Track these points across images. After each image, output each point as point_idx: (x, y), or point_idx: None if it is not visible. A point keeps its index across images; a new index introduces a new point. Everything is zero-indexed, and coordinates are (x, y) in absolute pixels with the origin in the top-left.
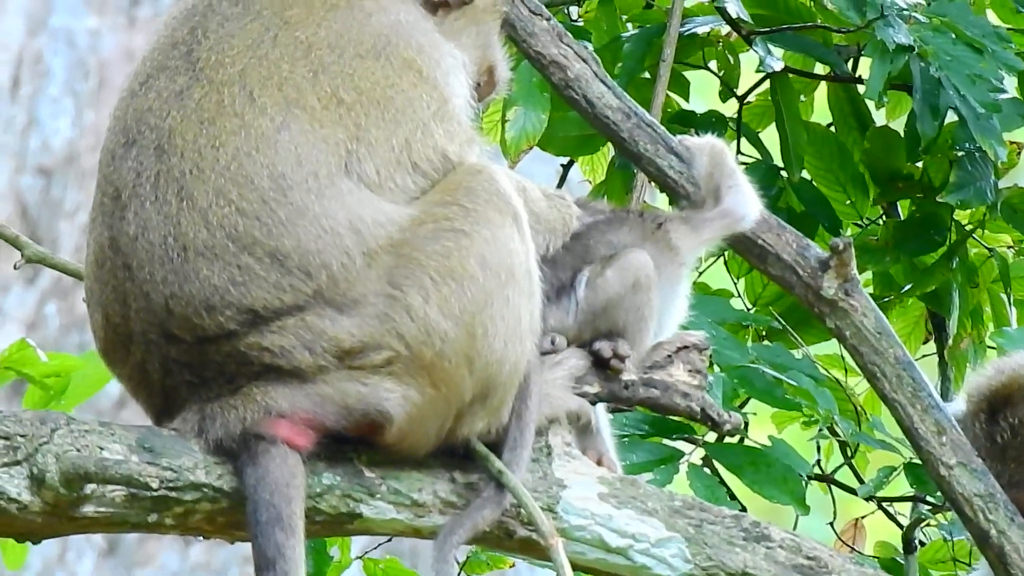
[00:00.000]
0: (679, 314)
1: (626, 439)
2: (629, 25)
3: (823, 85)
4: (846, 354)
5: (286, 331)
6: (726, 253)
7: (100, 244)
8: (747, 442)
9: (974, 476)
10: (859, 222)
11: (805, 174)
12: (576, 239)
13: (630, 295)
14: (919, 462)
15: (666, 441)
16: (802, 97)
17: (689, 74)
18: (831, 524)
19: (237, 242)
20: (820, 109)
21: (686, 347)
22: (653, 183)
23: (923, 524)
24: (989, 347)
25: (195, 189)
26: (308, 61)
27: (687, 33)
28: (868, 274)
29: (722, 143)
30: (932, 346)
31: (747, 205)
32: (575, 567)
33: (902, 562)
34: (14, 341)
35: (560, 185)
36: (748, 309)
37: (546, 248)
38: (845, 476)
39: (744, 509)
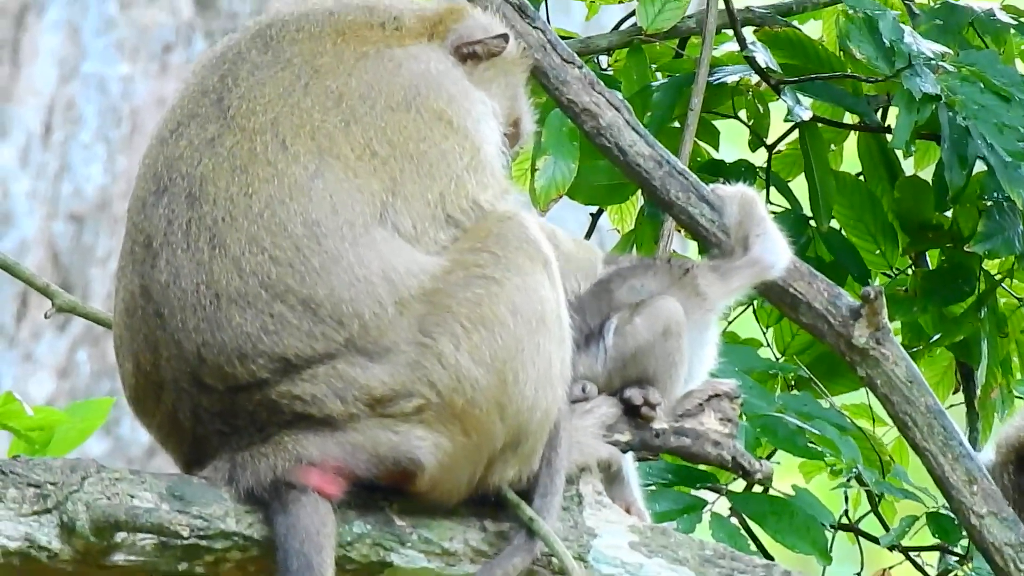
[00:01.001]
0: (708, 362)
1: (650, 488)
2: (659, 74)
3: (852, 134)
4: (875, 403)
5: (318, 379)
6: (755, 302)
7: (131, 292)
8: (771, 491)
9: (1005, 525)
10: (888, 272)
11: (834, 223)
12: (603, 286)
13: (660, 342)
14: (942, 511)
15: (691, 490)
16: (831, 146)
17: (719, 123)
18: (858, 574)
19: (270, 290)
20: (849, 158)
21: (717, 395)
22: (684, 231)
23: (951, 575)
24: (1017, 397)
25: (228, 236)
26: (340, 111)
27: (716, 82)
28: (897, 324)
29: (752, 191)
30: (961, 396)
31: (777, 253)
32: None
33: None
34: (44, 389)
35: (589, 234)
36: (776, 358)
37: (577, 287)
38: (873, 526)
39: (771, 559)
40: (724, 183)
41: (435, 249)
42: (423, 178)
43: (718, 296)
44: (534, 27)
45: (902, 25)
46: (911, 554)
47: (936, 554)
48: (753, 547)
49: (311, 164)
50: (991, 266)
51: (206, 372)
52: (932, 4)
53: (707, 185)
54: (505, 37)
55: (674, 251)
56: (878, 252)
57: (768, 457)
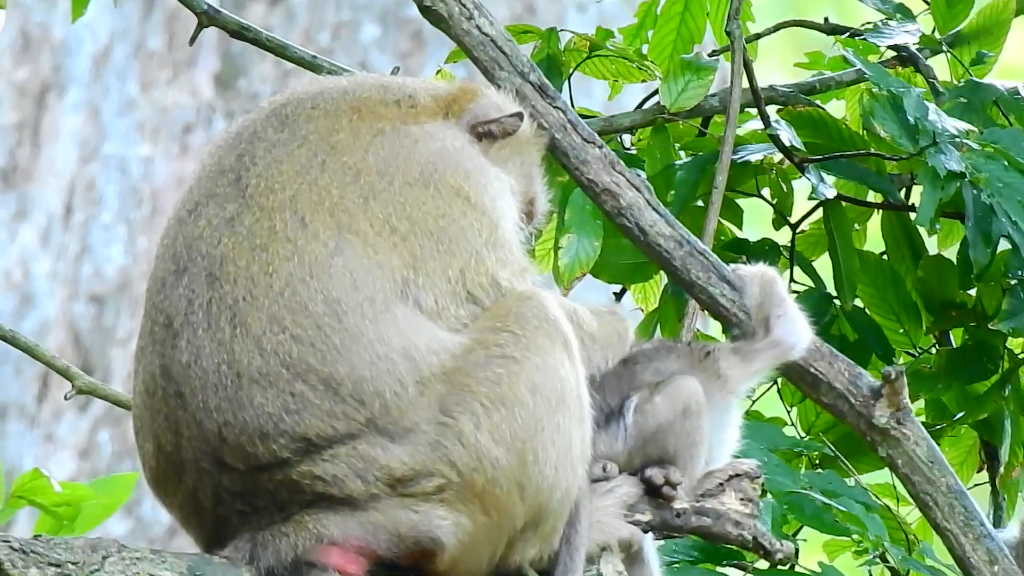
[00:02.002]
0: (730, 444)
1: (676, 565)
2: (682, 153)
3: (876, 213)
4: (898, 482)
5: (338, 459)
6: (779, 381)
7: (151, 372)
8: (797, 569)
9: None
10: (912, 350)
11: (858, 302)
12: (624, 365)
13: (680, 421)
14: None
15: (716, 568)
16: (855, 225)
17: (742, 202)
18: None
19: (291, 369)
20: (873, 237)
21: (738, 475)
22: (706, 311)
23: None
24: None
25: (249, 316)
26: (358, 187)
27: (740, 161)
28: (921, 402)
29: (773, 272)
30: (984, 474)
31: (797, 334)
32: None
33: None
34: (65, 469)
35: None
36: (801, 437)
37: (606, 364)
38: None
39: None
40: (747, 262)
41: (455, 326)
42: (443, 254)
43: (740, 378)
44: (554, 107)
45: (926, 103)
46: None
47: None
48: None
49: (331, 241)
50: (1015, 344)
51: (227, 452)
52: (956, 82)
53: (728, 265)
54: (520, 116)
55: (698, 330)
56: (902, 331)
57: (794, 535)
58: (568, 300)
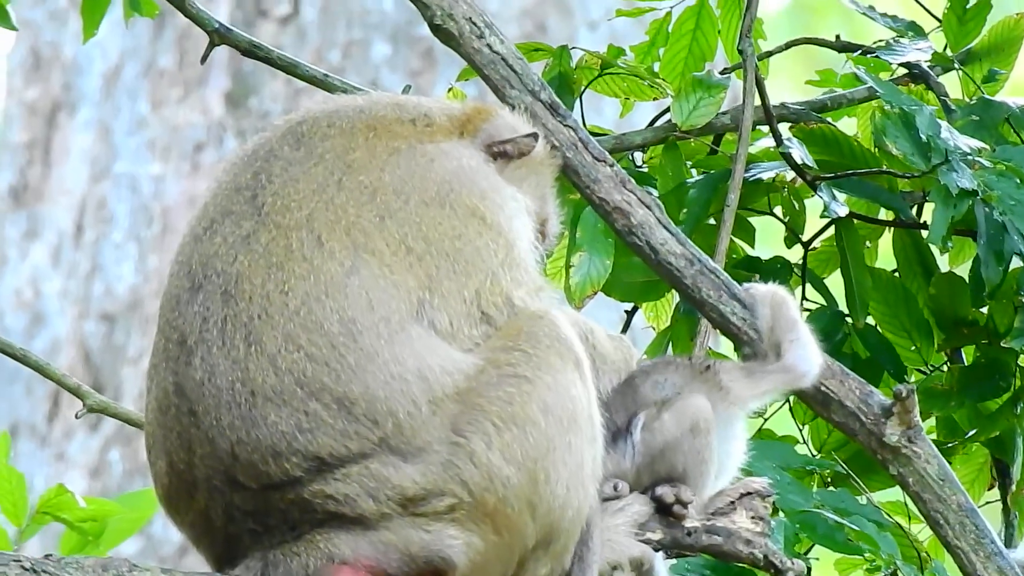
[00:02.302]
0: (737, 457)
1: None
2: (694, 171)
3: (888, 230)
4: (910, 500)
5: (351, 479)
6: (791, 399)
7: (164, 390)
8: None
9: None
10: (924, 368)
11: (870, 320)
12: (627, 383)
13: (688, 439)
14: None
15: None
16: (867, 243)
17: (754, 220)
18: None
19: (305, 388)
20: (885, 255)
21: (749, 494)
22: (717, 329)
23: None
24: None
25: (264, 334)
26: (374, 206)
27: (752, 179)
28: (932, 419)
29: (784, 293)
30: (996, 492)
31: (810, 362)
32: None
33: None
34: (76, 488)
35: (624, 331)
36: (813, 455)
37: (611, 385)
38: None
39: None
40: (760, 280)
41: (468, 346)
42: (459, 275)
43: (744, 393)
44: (565, 125)
45: (938, 120)
46: None
47: None
48: None
49: (347, 260)
50: None
51: (239, 470)
52: (968, 100)
53: (740, 284)
54: (535, 136)
55: (710, 348)
56: (914, 348)
57: (806, 553)
58: (585, 319)
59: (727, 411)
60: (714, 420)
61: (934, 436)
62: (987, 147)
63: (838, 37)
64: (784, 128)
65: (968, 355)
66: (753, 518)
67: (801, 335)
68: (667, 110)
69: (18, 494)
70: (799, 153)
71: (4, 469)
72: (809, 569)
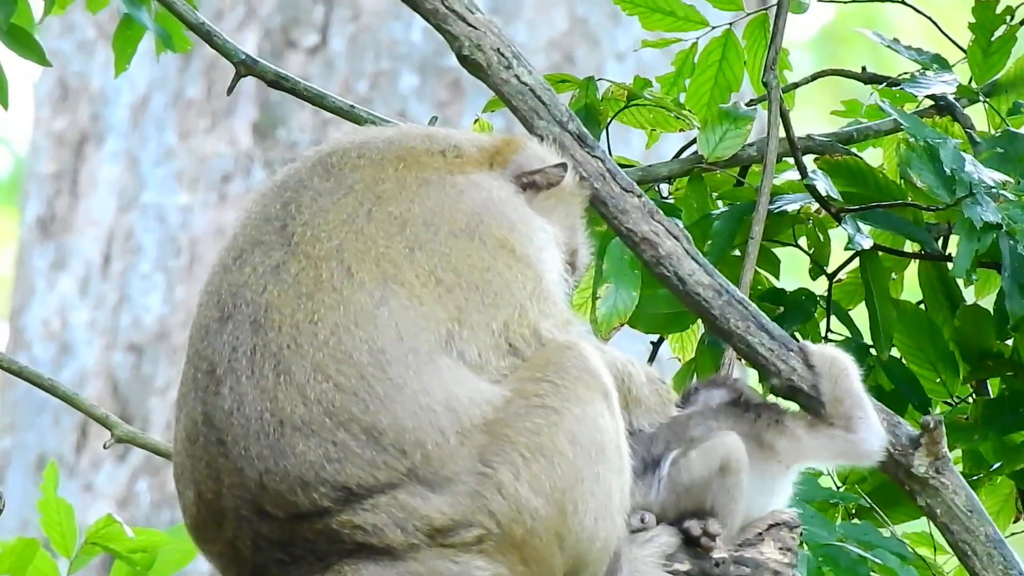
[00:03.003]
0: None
1: None
2: (719, 202)
3: (913, 263)
4: (935, 532)
5: (378, 509)
6: None
7: (193, 419)
8: None
9: None
10: (949, 400)
11: (895, 352)
12: (682, 419)
13: (717, 479)
14: None
15: None
16: (892, 275)
17: (779, 251)
18: None
19: (334, 418)
20: (910, 287)
21: (777, 525)
22: (743, 360)
23: None
24: None
25: (293, 364)
26: (404, 237)
27: (777, 210)
28: (958, 452)
29: (845, 360)
30: (1022, 524)
31: (879, 441)
32: None
33: None
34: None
35: (650, 362)
36: (837, 487)
37: (646, 427)
38: None
39: None
40: (784, 312)
41: (496, 377)
42: (488, 307)
43: (801, 453)
44: (593, 156)
45: (963, 153)
46: None
47: None
48: None
49: (376, 291)
50: None
51: (268, 500)
52: (993, 132)
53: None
54: (564, 167)
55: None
56: (939, 381)
57: None
58: (626, 357)
59: (769, 468)
60: (746, 460)
61: (960, 468)
62: (1011, 180)
63: (864, 69)
64: (809, 160)
65: (993, 387)
66: (781, 549)
67: (869, 412)
68: (693, 141)
69: (67, 525)
70: (824, 185)
71: (52, 500)
72: None
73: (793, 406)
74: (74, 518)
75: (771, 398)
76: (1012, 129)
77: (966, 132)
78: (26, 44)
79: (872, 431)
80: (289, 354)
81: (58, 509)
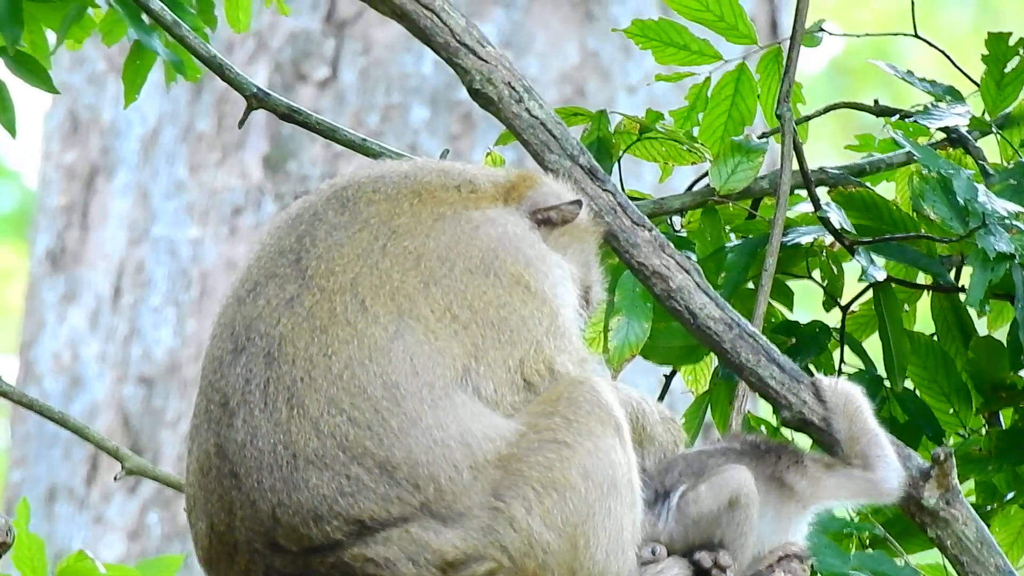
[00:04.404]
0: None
1: None
2: (732, 235)
3: (926, 294)
4: (947, 563)
5: (391, 542)
6: None
7: (206, 451)
8: None
9: None
10: (962, 431)
11: (909, 384)
12: (702, 454)
13: (727, 513)
14: None
15: None
16: (905, 307)
17: (793, 284)
18: None
19: (348, 452)
20: (923, 319)
21: (787, 556)
22: (756, 393)
23: None
24: None
25: (307, 397)
26: (419, 272)
27: (790, 243)
28: (970, 483)
29: (857, 396)
30: None
31: (896, 479)
32: None
33: None
34: (114, 551)
35: (663, 396)
36: (851, 518)
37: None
38: None
39: None
40: (797, 344)
41: (509, 412)
42: (504, 345)
43: (820, 494)
44: (604, 190)
45: (976, 184)
46: None
47: None
48: None
49: (391, 325)
50: None
51: (280, 533)
52: (1006, 164)
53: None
54: (579, 203)
55: (749, 412)
56: (952, 412)
57: None
58: (640, 396)
59: (786, 507)
60: (756, 495)
61: (972, 499)
62: None
63: (876, 102)
64: (822, 192)
65: (1006, 419)
66: None
67: (887, 450)
68: (706, 174)
69: (37, 560)
70: (837, 217)
71: (24, 535)
72: None
73: (808, 441)
74: (44, 553)
75: (785, 432)
76: None
77: (979, 164)
78: (32, 71)
79: (891, 469)
80: (303, 387)
81: (30, 544)
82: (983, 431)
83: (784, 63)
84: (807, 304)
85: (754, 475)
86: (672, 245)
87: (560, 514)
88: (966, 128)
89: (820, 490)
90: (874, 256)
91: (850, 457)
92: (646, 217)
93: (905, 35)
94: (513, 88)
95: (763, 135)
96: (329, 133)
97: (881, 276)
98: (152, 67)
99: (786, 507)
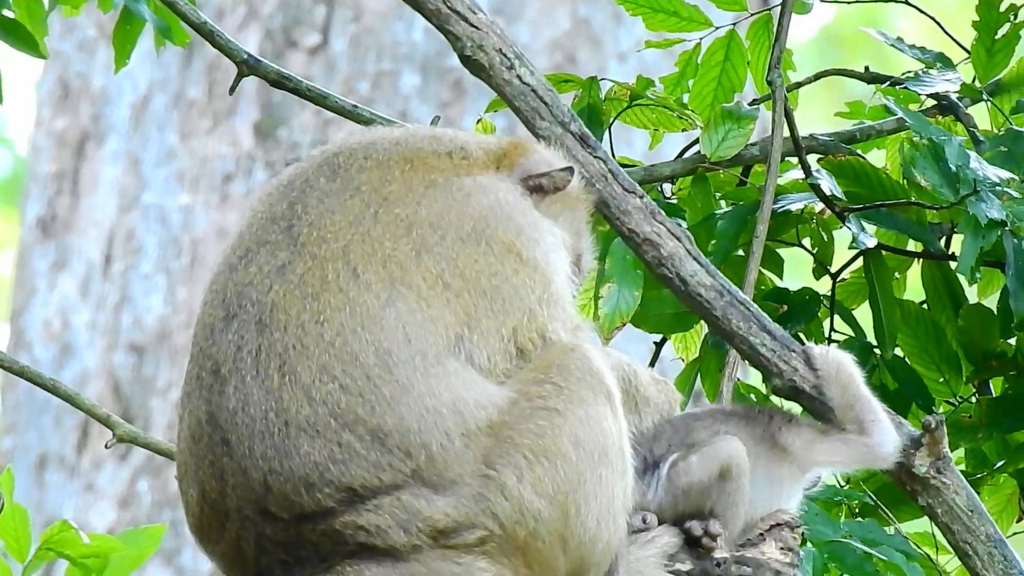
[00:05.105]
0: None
1: None
2: (723, 202)
3: (916, 262)
4: (938, 531)
5: (382, 510)
6: None
7: (197, 418)
8: None
9: None
10: (952, 400)
11: (898, 352)
12: (688, 419)
13: (717, 483)
14: None
15: None
16: (896, 275)
17: (783, 251)
18: None
19: (339, 419)
20: (913, 286)
21: (778, 525)
22: (746, 361)
23: None
24: None
25: (298, 364)
26: (410, 239)
27: (781, 210)
28: (961, 451)
29: (849, 364)
30: None
31: (892, 444)
32: None
33: None
34: (105, 519)
35: (653, 363)
36: (841, 486)
37: (651, 425)
38: None
39: None
40: (788, 311)
41: (502, 379)
42: (497, 313)
43: (815, 458)
44: (595, 156)
45: (967, 151)
46: None
47: None
48: None
49: (383, 293)
50: None
51: (272, 501)
52: (997, 131)
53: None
54: (571, 170)
55: (739, 380)
56: (942, 380)
57: None
58: (629, 360)
59: (779, 471)
60: (747, 465)
61: (962, 467)
62: (1016, 178)
63: (867, 68)
64: (813, 159)
65: (996, 387)
66: (782, 549)
67: (880, 415)
68: (696, 141)
69: (21, 530)
70: (828, 184)
71: (8, 505)
72: None
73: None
74: (28, 523)
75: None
76: (1016, 128)
77: (969, 131)
78: (20, 36)
79: (886, 433)
80: (295, 354)
81: (12, 514)
82: (973, 399)
83: (775, 30)
84: (797, 272)
85: (745, 437)
86: (663, 212)
87: (551, 482)
88: (956, 95)
89: (815, 454)
90: (864, 223)
91: (844, 423)
92: (637, 184)
93: (896, 2)
94: (504, 55)
95: (754, 102)
96: (320, 100)
97: (871, 243)
98: (141, 31)
99: (779, 470)
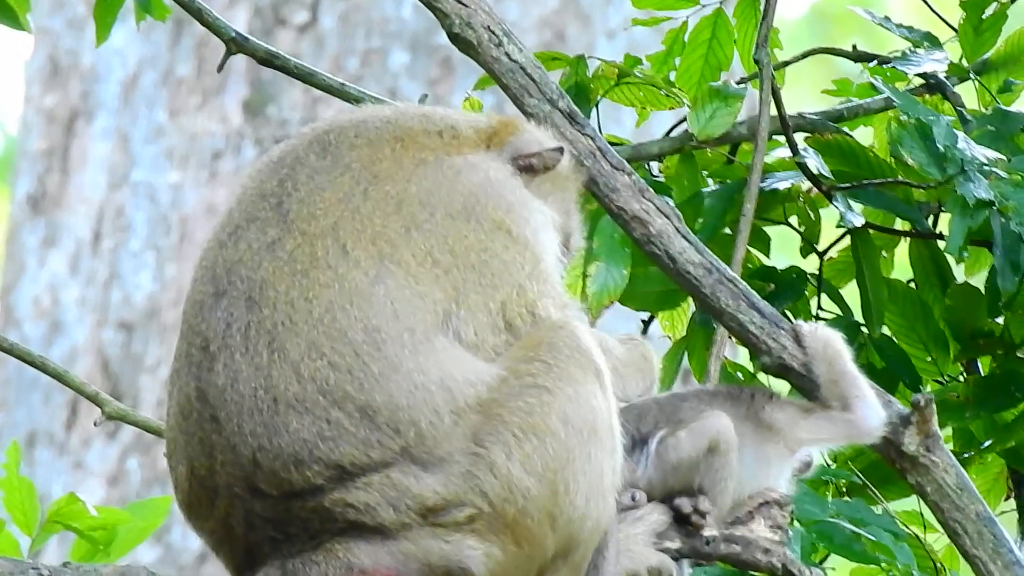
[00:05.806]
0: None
1: None
2: (710, 180)
3: (904, 241)
4: (926, 510)
5: (371, 488)
6: None
7: (186, 395)
8: None
9: None
10: (939, 378)
11: (886, 330)
12: (676, 398)
13: (705, 459)
14: None
15: None
16: (883, 253)
17: (770, 230)
18: None
19: (328, 396)
20: (901, 265)
21: (767, 503)
22: (734, 338)
23: None
24: None
25: (287, 341)
26: (400, 217)
27: (768, 189)
28: (948, 430)
29: (836, 343)
30: (1012, 502)
31: (877, 420)
32: None
33: None
34: (94, 496)
35: None
36: (829, 465)
37: (640, 389)
38: None
39: None
40: (775, 290)
41: (491, 356)
42: (486, 288)
43: (800, 435)
44: (584, 134)
45: (955, 131)
46: None
47: None
48: None
49: (372, 270)
50: None
51: (261, 478)
52: (984, 110)
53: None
54: (561, 150)
55: (726, 358)
56: (929, 359)
57: (821, 563)
58: (594, 329)
59: (766, 449)
60: (735, 441)
61: (950, 446)
62: (1003, 157)
63: (855, 47)
64: (800, 138)
65: (984, 366)
66: (772, 527)
67: (866, 391)
68: (684, 120)
69: (28, 504)
70: (815, 163)
71: (15, 479)
72: None
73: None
74: (36, 496)
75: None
76: (1003, 107)
77: (957, 110)
78: (1, 10)
79: (870, 408)
80: (284, 331)
81: (20, 488)
82: (961, 378)
83: (762, 8)
84: (784, 250)
85: (731, 416)
86: (651, 190)
87: (540, 460)
88: (944, 74)
89: (799, 431)
90: (852, 202)
91: (829, 400)
92: (625, 162)
93: None
94: (493, 32)
95: (741, 80)
96: (308, 78)
97: (859, 222)
98: (122, 4)
99: (766, 448)
